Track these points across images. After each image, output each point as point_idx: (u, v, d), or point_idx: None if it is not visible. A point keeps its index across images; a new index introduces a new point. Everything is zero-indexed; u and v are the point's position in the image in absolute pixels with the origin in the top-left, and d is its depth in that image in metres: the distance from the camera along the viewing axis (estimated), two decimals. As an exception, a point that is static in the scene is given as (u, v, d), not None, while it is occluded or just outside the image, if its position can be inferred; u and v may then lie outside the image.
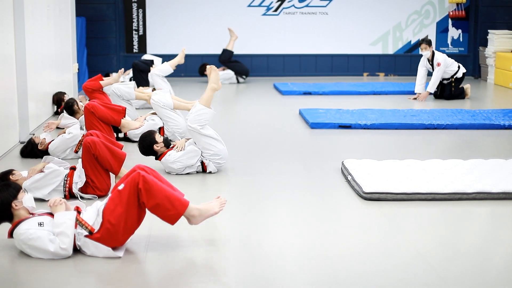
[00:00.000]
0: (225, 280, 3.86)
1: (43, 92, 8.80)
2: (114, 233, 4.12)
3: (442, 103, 10.58)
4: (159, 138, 6.16)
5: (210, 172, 6.20)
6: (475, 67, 14.12)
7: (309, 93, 11.58)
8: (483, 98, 11.37)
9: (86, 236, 4.13)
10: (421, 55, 11.05)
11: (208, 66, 6.39)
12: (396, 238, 4.53)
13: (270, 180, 6.09)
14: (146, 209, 4.25)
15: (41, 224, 4.12)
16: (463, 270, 3.98)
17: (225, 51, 13.23)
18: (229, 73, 13.25)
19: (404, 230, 4.68)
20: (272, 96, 11.55)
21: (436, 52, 10.99)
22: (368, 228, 4.74)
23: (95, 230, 4.13)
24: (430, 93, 10.98)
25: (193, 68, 13.46)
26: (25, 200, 4.21)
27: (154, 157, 6.20)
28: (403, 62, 14.31)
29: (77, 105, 7.53)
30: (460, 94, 10.97)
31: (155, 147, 6.10)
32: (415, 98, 10.87)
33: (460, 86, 10.99)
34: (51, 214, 4.24)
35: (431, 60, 10.94)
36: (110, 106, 7.01)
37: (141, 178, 4.14)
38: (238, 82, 13.33)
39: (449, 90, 10.90)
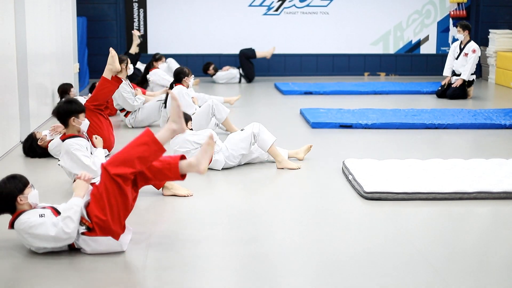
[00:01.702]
0: (225, 279, 3.87)
1: (44, 92, 8.80)
2: (106, 227, 4.11)
3: (443, 103, 10.59)
4: (190, 125, 6.37)
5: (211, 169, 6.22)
6: (476, 67, 14.09)
7: (310, 93, 11.58)
8: (484, 97, 11.37)
9: (83, 233, 4.13)
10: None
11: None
12: (397, 237, 4.53)
13: (271, 179, 6.10)
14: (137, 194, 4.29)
15: (42, 216, 4.12)
16: (464, 270, 3.98)
17: (252, 50, 13.24)
18: (232, 73, 13.26)
19: (404, 230, 4.68)
20: (273, 96, 11.55)
21: (472, 41, 11.24)
22: (369, 228, 4.74)
23: (92, 227, 4.14)
24: (448, 86, 11.18)
25: (194, 68, 13.44)
26: (30, 196, 4.19)
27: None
28: (404, 61, 14.31)
29: (126, 66, 7.79)
30: (462, 94, 10.99)
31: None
32: (444, 85, 11.16)
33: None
34: (53, 208, 4.24)
35: (464, 45, 11.12)
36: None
37: (107, 167, 4.07)
38: (239, 82, 13.33)
39: (453, 88, 10.94)
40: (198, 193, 5.56)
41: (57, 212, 4.21)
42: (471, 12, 14.15)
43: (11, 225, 4.15)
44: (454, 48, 11.31)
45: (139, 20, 13.73)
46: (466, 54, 11.06)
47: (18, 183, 4.17)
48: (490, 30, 13.46)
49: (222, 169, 6.31)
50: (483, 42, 13.81)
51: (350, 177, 5.83)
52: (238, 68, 13.38)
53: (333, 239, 4.50)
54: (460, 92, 10.96)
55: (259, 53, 13.28)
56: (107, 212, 4.10)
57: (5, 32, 7.06)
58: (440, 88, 11.21)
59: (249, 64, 13.30)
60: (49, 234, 4.05)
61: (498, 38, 13.11)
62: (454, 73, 11.21)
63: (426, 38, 14.27)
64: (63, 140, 5.28)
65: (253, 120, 8.69)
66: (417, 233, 4.62)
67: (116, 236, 4.15)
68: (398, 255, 4.20)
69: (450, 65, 11.27)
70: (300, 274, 3.92)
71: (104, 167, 4.10)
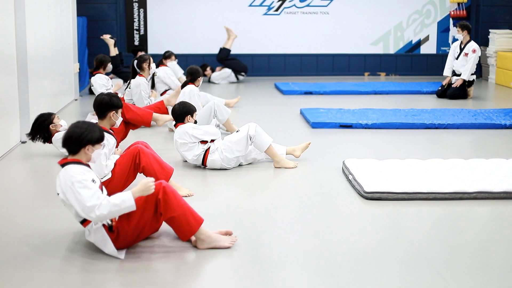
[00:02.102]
0: (225, 280, 3.86)
1: (44, 92, 8.80)
2: (123, 234, 4.14)
3: (443, 103, 10.58)
4: (195, 116, 6.44)
5: (210, 169, 6.22)
6: (476, 67, 14.09)
7: (310, 93, 11.58)
8: (484, 97, 11.37)
9: (104, 226, 4.14)
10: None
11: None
12: (397, 237, 4.53)
13: (270, 179, 6.10)
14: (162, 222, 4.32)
15: (94, 181, 4.10)
16: (464, 269, 3.98)
17: (222, 49, 13.25)
18: (227, 72, 13.26)
19: (405, 230, 4.68)
20: (273, 95, 11.55)
21: (473, 41, 11.22)
22: (369, 228, 4.74)
23: (114, 229, 4.15)
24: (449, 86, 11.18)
25: (194, 68, 13.45)
26: (96, 152, 4.19)
27: (173, 122, 6.50)
28: (404, 61, 14.31)
29: (148, 65, 8.46)
30: (462, 94, 10.99)
31: (189, 118, 6.35)
32: (444, 85, 11.14)
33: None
34: (101, 184, 4.23)
35: (464, 45, 11.10)
36: (140, 108, 7.01)
37: (161, 188, 4.16)
38: (238, 80, 13.34)
39: (453, 88, 10.94)
40: (198, 194, 5.55)
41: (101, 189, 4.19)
42: (471, 12, 14.15)
43: (61, 165, 4.12)
44: (454, 48, 11.30)
45: (139, 20, 13.72)
46: (466, 54, 11.06)
47: (98, 135, 4.17)
48: (490, 30, 13.45)
49: (220, 169, 6.31)
50: (483, 42, 13.81)
51: (350, 177, 5.83)
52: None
53: (333, 239, 4.50)
54: (460, 92, 10.96)
55: (228, 44, 13.27)
56: (132, 225, 4.15)
57: (5, 31, 7.05)
58: (440, 88, 11.21)
59: (232, 61, 13.32)
60: (84, 202, 3.96)
61: (498, 38, 13.10)
62: (454, 73, 11.21)
63: (426, 38, 14.27)
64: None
65: (253, 120, 8.69)
66: (417, 233, 4.62)
67: (124, 246, 4.20)
68: (398, 255, 4.20)
69: (450, 65, 11.26)
70: (300, 274, 3.91)
71: (163, 185, 4.16)
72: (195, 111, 6.45)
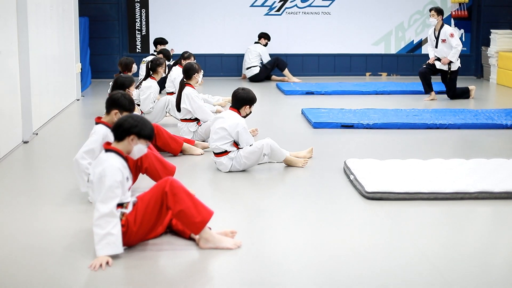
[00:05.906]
0: (227, 280, 3.88)
1: (46, 92, 8.81)
2: (128, 232, 4.17)
3: (444, 103, 10.58)
4: (251, 108, 6.28)
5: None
6: (477, 67, 14.11)
7: (312, 93, 11.59)
8: (485, 98, 11.37)
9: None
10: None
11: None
12: (399, 237, 4.54)
13: (272, 179, 6.10)
14: (167, 227, 4.40)
15: (128, 179, 4.20)
16: (466, 270, 3.99)
17: (281, 62, 13.32)
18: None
19: (406, 230, 4.69)
20: (274, 95, 11.56)
21: (446, 25, 10.84)
22: (371, 228, 4.75)
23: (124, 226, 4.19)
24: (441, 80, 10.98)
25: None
26: (140, 146, 4.28)
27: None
28: (406, 62, 14.31)
29: (163, 68, 8.46)
30: (464, 94, 10.98)
31: (247, 108, 6.22)
32: (429, 63, 10.78)
33: (466, 86, 11.05)
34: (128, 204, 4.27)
35: (438, 31, 10.73)
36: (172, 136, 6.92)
37: (168, 182, 4.19)
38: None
39: (450, 87, 10.81)
40: (201, 194, 5.56)
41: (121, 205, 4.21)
42: (472, 12, 14.15)
43: (106, 150, 4.21)
44: (430, 38, 10.90)
45: (141, 20, 13.74)
46: (443, 41, 10.71)
47: (148, 131, 4.27)
48: (491, 30, 13.44)
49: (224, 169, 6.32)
50: (484, 42, 13.81)
51: (351, 177, 5.84)
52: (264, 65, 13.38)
53: (334, 239, 4.51)
54: (463, 92, 10.84)
55: (290, 77, 13.34)
56: (137, 222, 4.18)
57: (7, 32, 7.07)
58: (425, 66, 10.87)
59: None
60: (101, 204, 4.04)
61: (499, 38, 13.10)
62: (438, 59, 10.86)
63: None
64: (97, 123, 5.27)
65: (254, 120, 8.68)
66: (418, 233, 4.63)
67: (128, 244, 4.22)
68: (400, 255, 4.21)
69: (432, 55, 10.94)
70: (302, 274, 3.92)
71: (170, 180, 4.20)
72: (254, 102, 6.26)
